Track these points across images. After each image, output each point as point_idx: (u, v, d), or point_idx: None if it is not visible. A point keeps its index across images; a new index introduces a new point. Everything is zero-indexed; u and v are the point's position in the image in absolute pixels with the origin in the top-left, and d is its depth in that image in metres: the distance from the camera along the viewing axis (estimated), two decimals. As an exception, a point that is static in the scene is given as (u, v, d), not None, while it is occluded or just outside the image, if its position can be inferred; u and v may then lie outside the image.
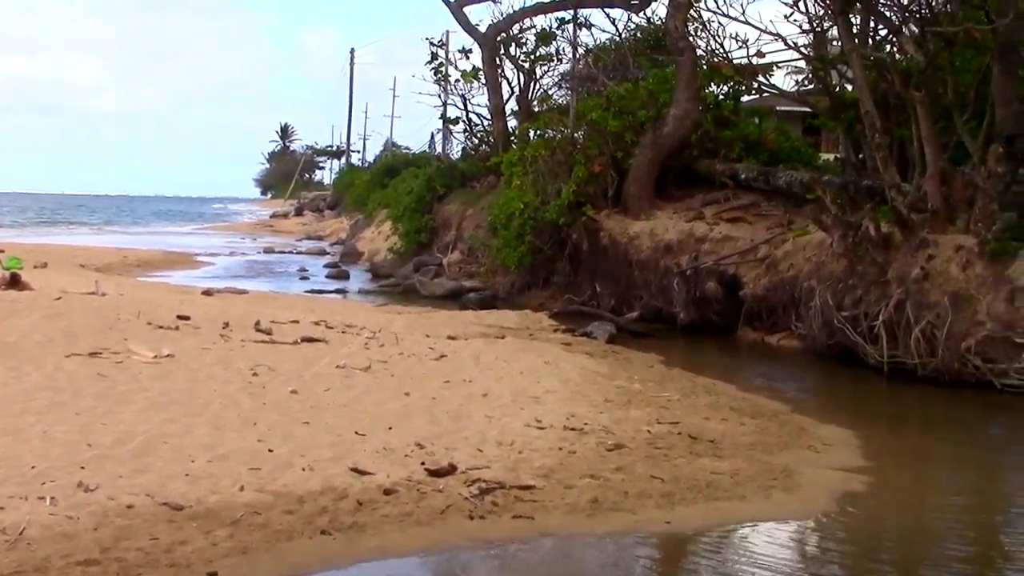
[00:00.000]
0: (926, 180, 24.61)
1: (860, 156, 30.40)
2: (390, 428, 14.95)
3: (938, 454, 17.35)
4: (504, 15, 51.60)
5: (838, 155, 35.76)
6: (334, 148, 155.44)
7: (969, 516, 13.67)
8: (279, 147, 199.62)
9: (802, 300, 26.07)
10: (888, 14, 28.87)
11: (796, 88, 40.60)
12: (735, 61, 33.37)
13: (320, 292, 38.22)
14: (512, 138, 48.49)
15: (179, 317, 22.98)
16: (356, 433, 14.52)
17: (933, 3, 27.92)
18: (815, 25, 30.61)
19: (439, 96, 59.81)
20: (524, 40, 51.91)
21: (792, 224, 29.46)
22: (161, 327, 21.82)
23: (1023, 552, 12.34)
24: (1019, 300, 21.75)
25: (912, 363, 22.58)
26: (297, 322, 24.28)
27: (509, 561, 11.17)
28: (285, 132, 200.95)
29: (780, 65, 39.89)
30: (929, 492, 14.87)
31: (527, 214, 35.86)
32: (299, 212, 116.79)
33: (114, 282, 33.57)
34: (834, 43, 31.61)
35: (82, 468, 12.02)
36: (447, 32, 61.47)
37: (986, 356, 21.79)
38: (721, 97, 37.03)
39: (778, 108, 45.46)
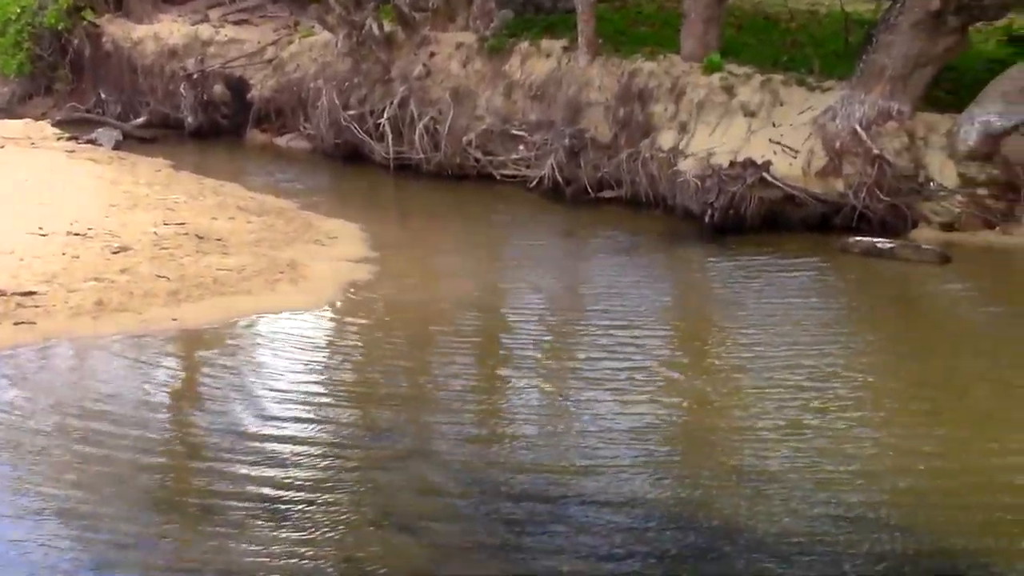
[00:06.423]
0: (426, -22, 25.08)
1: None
2: None
3: (440, 242, 18.16)
4: None
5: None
6: None
7: (470, 291, 14.49)
8: None
9: (309, 101, 26.19)
10: None
11: None
12: None
13: None
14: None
15: None
16: None
17: None
18: None
19: None
20: None
21: (298, 25, 29.39)
22: None
23: (513, 305, 13.24)
24: (515, 94, 22.72)
25: (417, 158, 23.21)
26: None
27: (13, 368, 11.01)
28: None
29: None
30: (430, 276, 15.65)
31: (24, 20, 34.09)
32: None
33: None
34: None
35: None
36: None
37: (486, 149, 22.70)
38: None
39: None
